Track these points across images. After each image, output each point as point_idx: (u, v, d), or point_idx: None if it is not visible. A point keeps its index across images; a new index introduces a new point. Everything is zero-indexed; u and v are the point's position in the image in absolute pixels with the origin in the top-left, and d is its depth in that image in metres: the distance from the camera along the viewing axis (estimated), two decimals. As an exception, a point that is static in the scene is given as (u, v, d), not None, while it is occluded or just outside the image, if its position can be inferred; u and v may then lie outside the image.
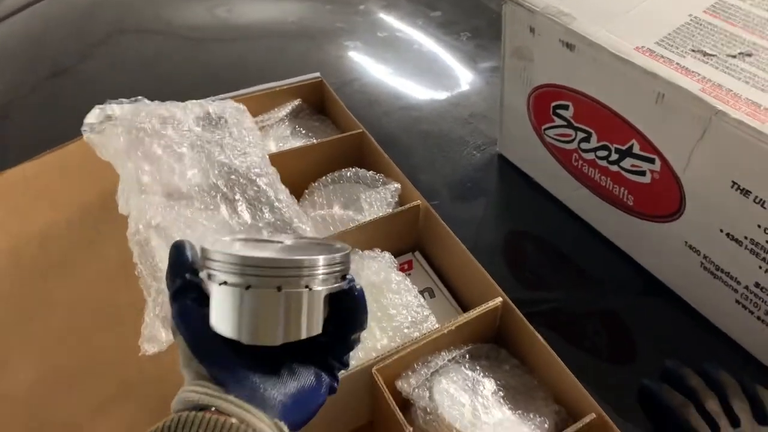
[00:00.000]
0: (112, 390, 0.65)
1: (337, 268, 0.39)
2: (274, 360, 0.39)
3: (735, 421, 0.60)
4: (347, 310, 0.41)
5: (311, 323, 0.38)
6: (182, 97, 0.79)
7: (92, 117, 0.67)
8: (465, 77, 1.17)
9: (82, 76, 1.20)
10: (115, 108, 0.68)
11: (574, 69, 0.75)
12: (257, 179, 0.67)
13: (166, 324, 0.56)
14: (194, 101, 0.74)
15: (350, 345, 0.43)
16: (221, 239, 0.44)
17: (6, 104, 1.12)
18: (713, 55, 0.66)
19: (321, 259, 0.37)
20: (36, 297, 0.74)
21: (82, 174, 0.81)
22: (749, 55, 0.65)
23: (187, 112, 0.72)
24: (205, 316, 0.38)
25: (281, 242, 0.42)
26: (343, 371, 0.43)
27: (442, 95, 1.13)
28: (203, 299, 0.39)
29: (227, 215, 0.63)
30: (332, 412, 0.60)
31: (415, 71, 1.19)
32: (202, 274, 0.38)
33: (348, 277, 0.40)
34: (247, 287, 0.36)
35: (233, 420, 0.35)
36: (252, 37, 1.29)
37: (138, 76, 1.18)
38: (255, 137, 0.73)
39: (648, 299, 0.78)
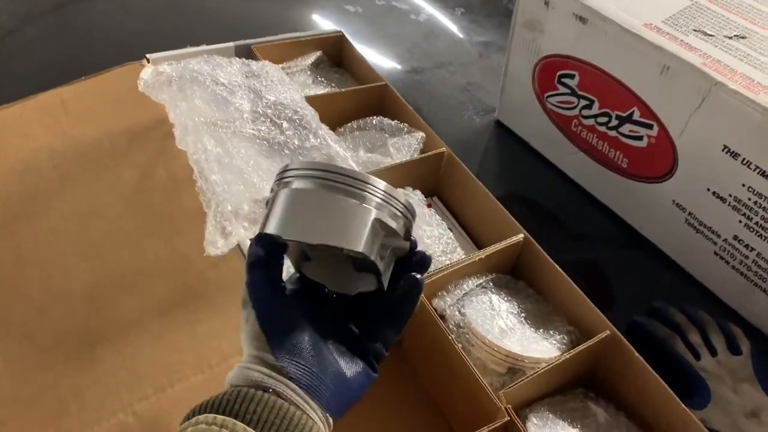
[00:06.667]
0: (172, 292, 0.66)
1: (397, 207, 0.41)
2: (330, 349, 0.41)
3: (713, 351, 0.70)
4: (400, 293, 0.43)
5: (353, 236, 0.38)
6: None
7: (146, 74, 0.72)
8: (460, 49, 1.24)
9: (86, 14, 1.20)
10: (166, 67, 0.74)
11: (585, 41, 0.82)
12: (300, 110, 0.72)
13: (224, 234, 0.61)
14: (236, 58, 0.78)
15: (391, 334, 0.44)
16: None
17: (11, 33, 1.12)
18: (712, 36, 0.75)
19: (383, 186, 0.39)
20: (86, 206, 0.74)
21: (127, 101, 0.81)
22: (743, 37, 0.74)
23: (233, 62, 0.76)
24: (280, 290, 0.40)
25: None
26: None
27: (440, 64, 1.19)
28: (278, 274, 0.40)
29: (276, 135, 0.69)
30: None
31: (414, 40, 1.25)
32: (273, 186, 0.40)
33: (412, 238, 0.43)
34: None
35: (292, 407, 0.36)
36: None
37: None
38: (293, 86, 0.78)
39: (629, 251, 0.87)
